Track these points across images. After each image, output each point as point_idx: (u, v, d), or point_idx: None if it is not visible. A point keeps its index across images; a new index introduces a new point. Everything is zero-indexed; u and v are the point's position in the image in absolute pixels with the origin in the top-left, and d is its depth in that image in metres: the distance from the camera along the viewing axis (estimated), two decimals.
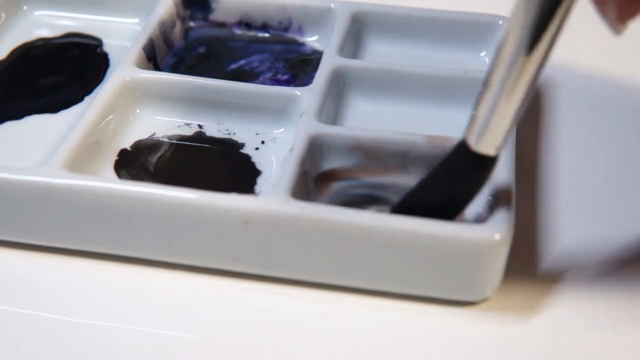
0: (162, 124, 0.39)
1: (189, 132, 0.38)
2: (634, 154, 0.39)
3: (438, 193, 0.33)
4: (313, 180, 0.35)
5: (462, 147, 0.32)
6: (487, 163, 0.32)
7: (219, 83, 0.38)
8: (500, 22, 0.41)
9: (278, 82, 0.41)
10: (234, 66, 0.42)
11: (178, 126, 0.39)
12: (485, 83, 0.31)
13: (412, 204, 0.33)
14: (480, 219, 0.33)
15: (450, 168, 0.33)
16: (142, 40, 0.40)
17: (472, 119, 0.31)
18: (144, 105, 0.39)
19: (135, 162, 0.37)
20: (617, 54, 0.45)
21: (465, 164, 0.32)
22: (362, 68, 0.39)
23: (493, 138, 0.31)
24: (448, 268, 0.32)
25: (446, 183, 0.33)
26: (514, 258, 0.33)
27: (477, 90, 0.38)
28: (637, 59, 0.45)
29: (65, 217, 0.34)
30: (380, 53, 0.42)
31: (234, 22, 0.43)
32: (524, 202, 0.36)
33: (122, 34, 0.43)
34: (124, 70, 0.39)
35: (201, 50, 0.43)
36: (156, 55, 0.41)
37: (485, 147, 0.31)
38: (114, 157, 0.37)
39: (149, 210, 0.33)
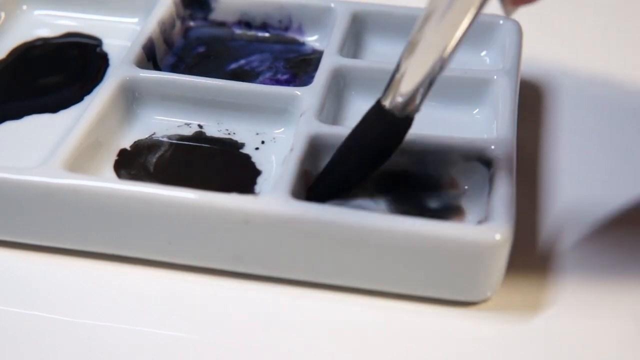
0: (162, 123, 0.39)
1: (188, 132, 0.38)
2: (634, 153, 0.39)
3: (354, 153, 0.34)
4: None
5: (377, 107, 0.33)
6: (399, 124, 0.33)
7: (219, 83, 0.38)
8: (501, 21, 0.41)
9: (278, 82, 0.40)
10: (233, 66, 0.42)
11: (178, 126, 0.39)
12: (409, 42, 0.32)
13: (330, 168, 0.35)
14: (480, 220, 0.33)
15: (365, 128, 0.34)
16: (142, 40, 0.40)
17: (390, 79, 0.33)
18: (144, 105, 0.39)
19: (135, 162, 0.37)
20: (617, 54, 0.45)
21: (380, 124, 0.33)
22: (362, 68, 0.39)
23: (404, 97, 0.32)
24: (449, 268, 0.32)
25: (361, 143, 0.34)
26: (514, 258, 0.33)
27: (477, 90, 0.39)
28: (636, 59, 0.45)
29: (65, 217, 0.34)
30: (380, 53, 0.42)
31: (233, 21, 0.43)
32: (524, 202, 0.36)
33: (122, 34, 0.43)
34: (124, 69, 0.39)
35: (201, 49, 0.42)
36: (156, 54, 0.41)
37: (396, 106, 0.33)
38: (113, 157, 0.37)
39: (149, 210, 0.33)
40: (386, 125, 0.33)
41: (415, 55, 0.32)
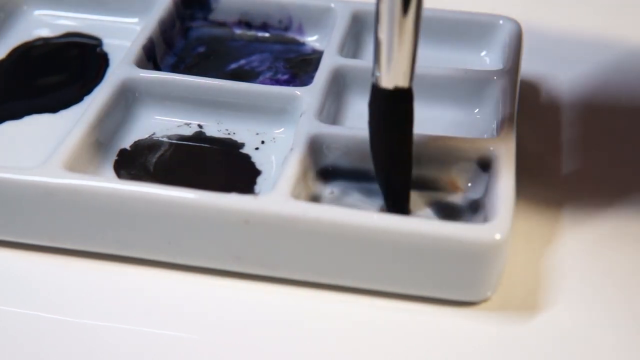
0: (162, 123, 0.39)
1: (188, 132, 0.38)
2: (635, 153, 0.39)
3: (379, 144, 0.33)
4: (313, 179, 0.35)
5: (375, 91, 0.32)
6: (402, 96, 0.32)
7: (219, 83, 0.38)
8: (501, 21, 0.41)
9: (278, 82, 0.40)
10: (234, 66, 0.42)
11: (178, 126, 0.39)
12: (376, 17, 0.31)
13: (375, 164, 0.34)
14: (480, 220, 0.33)
15: (375, 117, 0.33)
16: (142, 40, 0.40)
17: (374, 59, 0.32)
18: (144, 105, 0.39)
19: (135, 162, 0.37)
20: (617, 54, 0.45)
21: (384, 105, 0.32)
22: (362, 68, 0.39)
23: (396, 67, 0.32)
24: (448, 268, 0.32)
25: (378, 132, 0.33)
26: (514, 258, 0.33)
27: (477, 90, 0.39)
28: (636, 59, 0.45)
29: (65, 217, 0.34)
30: None
31: (233, 21, 0.43)
32: (524, 202, 0.36)
33: (122, 34, 0.43)
34: (124, 69, 0.39)
35: (201, 49, 0.42)
36: (156, 54, 0.41)
37: (392, 80, 0.32)
38: (113, 157, 0.37)
39: (149, 210, 0.33)
40: (391, 103, 0.32)
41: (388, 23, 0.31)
